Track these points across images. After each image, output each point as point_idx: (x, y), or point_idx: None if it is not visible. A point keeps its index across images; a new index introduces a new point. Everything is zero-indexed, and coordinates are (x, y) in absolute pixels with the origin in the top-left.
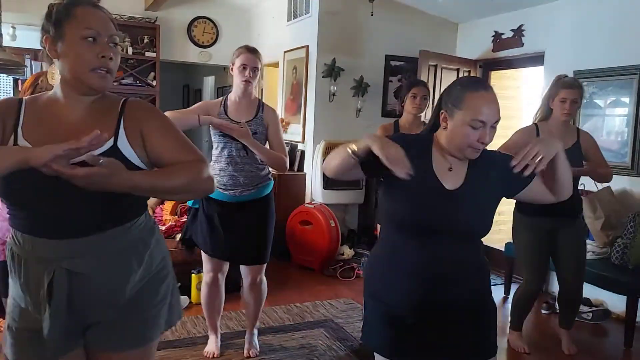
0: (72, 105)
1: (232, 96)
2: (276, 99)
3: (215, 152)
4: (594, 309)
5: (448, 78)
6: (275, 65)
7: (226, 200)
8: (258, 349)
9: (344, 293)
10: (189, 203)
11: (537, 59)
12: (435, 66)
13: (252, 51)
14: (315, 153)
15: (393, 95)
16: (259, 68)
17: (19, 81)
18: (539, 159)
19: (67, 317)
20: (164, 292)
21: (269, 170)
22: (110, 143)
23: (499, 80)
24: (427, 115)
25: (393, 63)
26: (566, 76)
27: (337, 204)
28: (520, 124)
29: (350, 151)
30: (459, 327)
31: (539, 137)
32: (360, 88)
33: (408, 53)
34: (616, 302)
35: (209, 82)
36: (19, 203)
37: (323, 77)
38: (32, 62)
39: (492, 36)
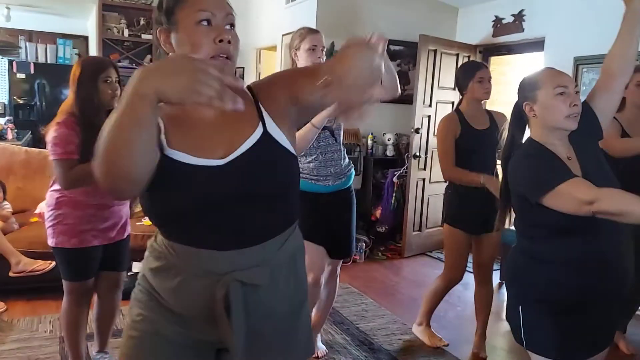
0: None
1: None
2: None
3: None
4: None
5: (447, 63)
6: (273, 48)
7: (320, 191)
8: (325, 349)
9: (341, 277)
10: None
11: (537, 45)
12: (435, 51)
13: (317, 31)
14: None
15: None
16: (324, 48)
17: (14, 63)
18: None
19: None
20: (307, 309)
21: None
22: (260, 130)
23: (499, 65)
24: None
25: (392, 47)
26: (638, 61)
27: None
28: None
29: None
30: (616, 315)
31: None
32: None
33: (407, 37)
34: None
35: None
36: (185, 214)
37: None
38: (27, 43)
39: (493, 21)
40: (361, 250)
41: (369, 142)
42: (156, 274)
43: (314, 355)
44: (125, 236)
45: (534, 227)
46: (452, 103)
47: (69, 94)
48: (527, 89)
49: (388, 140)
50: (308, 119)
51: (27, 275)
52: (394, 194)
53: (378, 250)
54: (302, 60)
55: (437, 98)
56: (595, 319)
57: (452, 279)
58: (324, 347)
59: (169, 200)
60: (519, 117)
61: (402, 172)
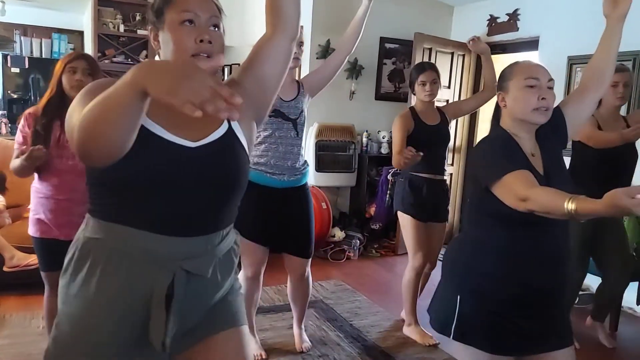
0: None
1: None
2: None
3: (263, 134)
4: (580, 292)
5: (442, 62)
6: None
7: (272, 185)
8: (309, 343)
9: (334, 274)
10: None
11: (531, 44)
12: (430, 49)
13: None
14: (308, 135)
15: (387, 78)
16: (303, 43)
17: (9, 57)
18: None
19: (179, 323)
20: (239, 293)
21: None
22: (226, 126)
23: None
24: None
25: (388, 45)
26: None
27: (329, 186)
28: None
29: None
30: (554, 313)
31: None
32: (354, 70)
33: (403, 36)
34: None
35: None
36: (145, 188)
37: (317, 58)
38: (22, 37)
39: (487, 20)
40: (355, 248)
41: (364, 139)
42: (95, 262)
43: (299, 350)
44: None
45: (483, 215)
46: (447, 101)
47: None
48: (501, 79)
49: (383, 137)
50: (266, 108)
51: (21, 269)
52: (388, 192)
53: (372, 247)
54: None
55: None
56: (535, 316)
57: (417, 266)
58: (308, 342)
59: (135, 167)
60: (497, 108)
61: (397, 170)
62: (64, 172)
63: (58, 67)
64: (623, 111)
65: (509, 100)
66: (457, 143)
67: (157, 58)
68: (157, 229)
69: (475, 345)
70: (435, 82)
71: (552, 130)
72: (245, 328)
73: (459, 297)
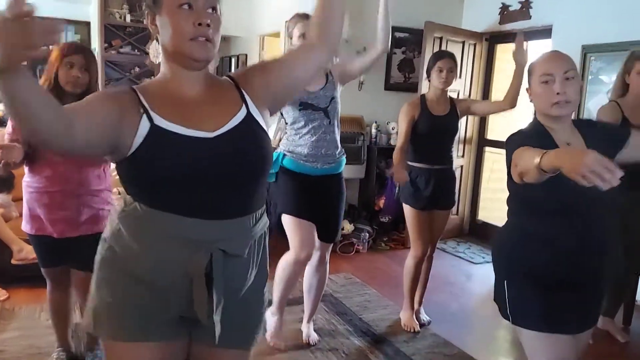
0: (187, 82)
1: None
2: None
3: (296, 126)
4: None
5: (453, 51)
6: (277, 35)
7: (306, 173)
8: (316, 336)
9: (343, 268)
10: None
11: (544, 33)
12: (441, 38)
13: (308, 17)
14: None
15: (397, 68)
16: None
17: None
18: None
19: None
20: (266, 293)
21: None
22: (244, 111)
23: (505, 53)
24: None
25: (397, 34)
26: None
27: None
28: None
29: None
30: (602, 293)
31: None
32: None
33: (413, 24)
34: None
35: (218, 54)
36: (176, 182)
37: None
38: None
39: (499, 8)
40: (364, 241)
41: (373, 130)
42: (133, 239)
43: (305, 342)
44: (91, 232)
45: (521, 204)
46: (458, 92)
47: None
48: (527, 74)
49: (392, 129)
50: (283, 103)
51: (29, 263)
52: (398, 184)
53: (381, 240)
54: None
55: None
56: (579, 298)
57: (416, 255)
58: (315, 335)
59: (160, 168)
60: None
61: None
62: (56, 162)
63: (54, 58)
64: None
65: (532, 95)
66: (468, 134)
67: (154, 43)
68: (193, 214)
69: (532, 328)
70: (452, 71)
71: (606, 141)
72: (250, 353)
73: (505, 282)
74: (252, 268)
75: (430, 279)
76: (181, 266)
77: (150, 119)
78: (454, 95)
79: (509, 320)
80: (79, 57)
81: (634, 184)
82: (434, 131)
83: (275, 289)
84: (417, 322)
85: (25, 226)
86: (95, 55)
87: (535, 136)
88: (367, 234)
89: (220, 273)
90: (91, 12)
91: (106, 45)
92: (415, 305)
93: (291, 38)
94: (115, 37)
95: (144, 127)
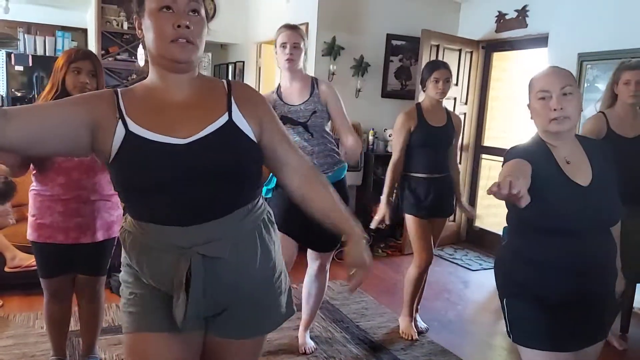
0: (173, 86)
1: (283, 81)
2: (274, 78)
3: None
4: None
5: (450, 58)
6: (274, 42)
7: None
8: (312, 345)
9: (340, 275)
10: (262, 194)
11: (541, 41)
12: (437, 46)
13: (291, 28)
14: None
15: (394, 75)
16: (303, 45)
17: (12, 55)
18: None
19: (203, 304)
20: (281, 281)
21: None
22: (225, 118)
23: (502, 61)
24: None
25: (394, 42)
26: (630, 60)
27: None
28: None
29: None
30: (603, 309)
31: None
32: (360, 68)
33: (410, 32)
34: None
35: (206, 59)
36: (148, 189)
37: (322, 55)
38: (26, 35)
39: (496, 16)
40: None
41: (370, 137)
42: (131, 252)
43: (301, 351)
44: (104, 238)
45: (518, 223)
46: (455, 99)
47: None
48: (528, 90)
49: (389, 136)
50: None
51: (23, 270)
52: (395, 191)
53: (378, 247)
54: (278, 56)
55: None
56: (578, 316)
57: (420, 264)
58: (312, 343)
59: (134, 175)
60: None
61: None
62: (70, 169)
63: (61, 64)
64: None
65: (531, 112)
66: (465, 142)
67: (141, 47)
68: (168, 222)
69: (532, 346)
70: (448, 81)
71: (605, 159)
72: (263, 339)
73: (505, 300)
74: (245, 264)
75: (428, 286)
76: (166, 272)
77: (125, 124)
78: (451, 103)
79: (511, 339)
80: (87, 62)
81: (631, 198)
82: (432, 142)
83: None
84: (415, 330)
85: (32, 234)
86: None
87: (535, 151)
88: (365, 241)
89: (200, 277)
90: (88, 19)
91: (103, 52)
92: (416, 313)
93: (275, 46)
94: (113, 44)
95: (119, 132)
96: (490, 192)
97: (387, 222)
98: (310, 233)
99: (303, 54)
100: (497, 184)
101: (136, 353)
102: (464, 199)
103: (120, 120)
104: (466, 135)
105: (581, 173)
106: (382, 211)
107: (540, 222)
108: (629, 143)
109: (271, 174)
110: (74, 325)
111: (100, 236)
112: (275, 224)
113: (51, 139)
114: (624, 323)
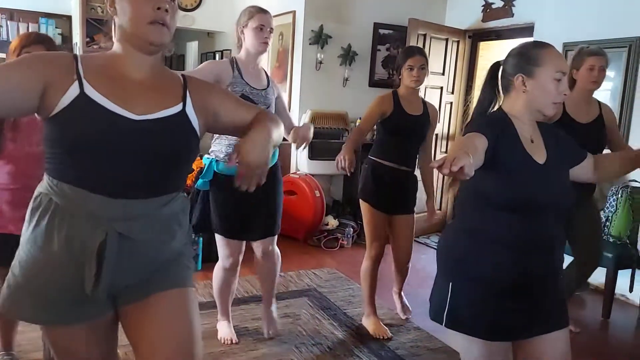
0: (134, 63)
1: (243, 59)
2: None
3: None
4: None
5: (437, 48)
6: None
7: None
8: (278, 327)
9: (327, 263)
10: (199, 186)
11: (526, 30)
12: (425, 35)
13: (266, 12)
14: (300, 122)
15: (381, 64)
16: (272, 30)
17: None
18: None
19: (112, 277)
20: (191, 260)
21: None
22: (179, 107)
23: (487, 51)
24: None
25: (381, 31)
26: (588, 46)
27: (322, 174)
28: None
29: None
30: (547, 297)
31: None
32: (348, 57)
33: (397, 21)
34: (595, 274)
35: (193, 48)
36: (88, 152)
37: (310, 44)
38: (8, 22)
39: (482, 5)
40: (349, 236)
41: None
42: (42, 214)
43: (266, 336)
44: None
45: (476, 201)
46: (441, 88)
47: None
48: (525, 60)
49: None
50: (217, 131)
51: None
52: (345, 168)
53: (363, 236)
54: (248, 39)
55: (426, 83)
56: (529, 302)
57: (374, 255)
58: (276, 324)
59: (76, 133)
60: (494, 82)
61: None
62: (19, 158)
63: (14, 48)
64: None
65: (531, 87)
66: (451, 131)
67: (112, 24)
68: (96, 190)
69: (468, 333)
70: (423, 68)
71: (564, 154)
72: (191, 290)
73: (451, 284)
74: (161, 248)
75: (414, 274)
76: (79, 241)
77: (81, 85)
78: (437, 92)
79: (441, 323)
80: (40, 47)
81: (578, 185)
82: (407, 130)
83: (215, 297)
84: (386, 328)
85: None
86: (77, 49)
87: (499, 126)
88: (352, 229)
89: (113, 252)
90: (72, 6)
91: (88, 39)
92: (395, 297)
93: (245, 27)
94: (97, 31)
95: (72, 91)
96: (433, 166)
97: (351, 169)
98: (248, 226)
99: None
100: (442, 161)
101: (59, 345)
102: (438, 196)
103: (77, 81)
104: (452, 125)
105: (539, 152)
106: (347, 155)
107: (497, 196)
108: (583, 128)
109: (206, 165)
110: None
111: None
112: (193, 224)
113: (2, 102)
114: (606, 308)
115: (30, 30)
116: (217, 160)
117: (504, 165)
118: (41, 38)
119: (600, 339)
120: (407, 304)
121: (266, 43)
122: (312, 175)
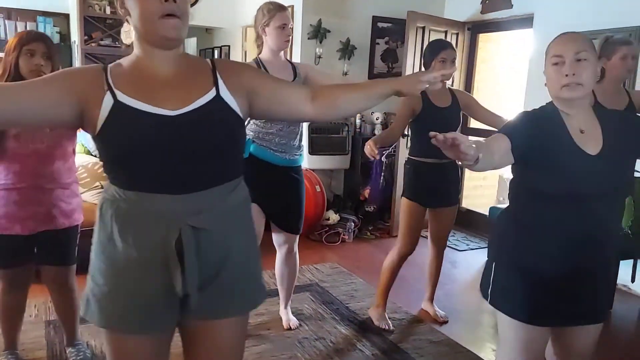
0: (158, 62)
1: (268, 58)
2: None
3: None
4: None
5: None
6: None
7: (273, 162)
8: (296, 321)
9: (329, 257)
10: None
11: (526, 21)
12: (423, 28)
13: (285, 8)
14: None
15: (380, 58)
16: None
17: None
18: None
19: (197, 273)
20: (259, 257)
21: None
22: (213, 93)
23: (487, 43)
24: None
25: (380, 25)
26: (612, 35)
27: (323, 169)
28: (511, 88)
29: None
30: (595, 289)
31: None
32: (347, 51)
33: (395, 14)
34: None
35: (191, 44)
36: (137, 157)
37: (309, 38)
38: (6, 21)
39: None
40: (350, 230)
41: (357, 121)
42: (115, 222)
43: (285, 328)
44: (67, 226)
45: (518, 188)
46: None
47: None
48: (545, 57)
49: (377, 119)
50: (251, 116)
51: None
52: (383, 174)
53: (367, 229)
54: (272, 38)
55: None
56: (565, 292)
57: (405, 252)
58: (295, 318)
59: (123, 143)
60: None
61: (391, 152)
62: (25, 156)
63: (12, 47)
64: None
65: (546, 79)
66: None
67: (125, 25)
68: (159, 190)
69: (510, 314)
70: (454, 62)
71: (626, 133)
72: (246, 317)
73: (494, 264)
74: (233, 237)
75: (415, 267)
76: (159, 243)
77: (113, 95)
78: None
79: (487, 300)
80: (40, 44)
81: None
82: (438, 124)
83: None
84: (390, 321)
85: None
86: (75, 47)
87: (545, 118)
88: (353, 224)
89: (191, 248)
90: (70, 4)
91: (86, 37)
92: (425, 303)
93: (266, 27)
94: (95, 29)
95: (107, 102)
96: (431, 136)
97: (377, 157)
98: (280, 211)
99: None
100: (443, 135)
101: (120, 353)
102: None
103: (108, 91)
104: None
105: (593, 142)
106: (369, 142)
107: (546, 189)
108: None
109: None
110: (54, 314)
111: (61, 223)
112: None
113: (29, 117)
114: (608, 299)
115: (28, 29)
116: (252, 142)
117: (550, 159)
118: (40, 35)
119: (602, 329)
120: (440, 314)
121: (289, 40)
122: (313, 170)
